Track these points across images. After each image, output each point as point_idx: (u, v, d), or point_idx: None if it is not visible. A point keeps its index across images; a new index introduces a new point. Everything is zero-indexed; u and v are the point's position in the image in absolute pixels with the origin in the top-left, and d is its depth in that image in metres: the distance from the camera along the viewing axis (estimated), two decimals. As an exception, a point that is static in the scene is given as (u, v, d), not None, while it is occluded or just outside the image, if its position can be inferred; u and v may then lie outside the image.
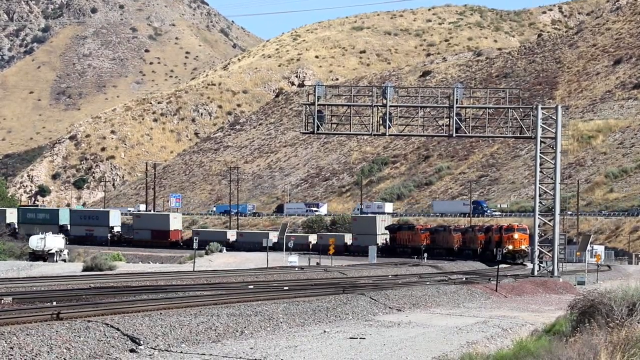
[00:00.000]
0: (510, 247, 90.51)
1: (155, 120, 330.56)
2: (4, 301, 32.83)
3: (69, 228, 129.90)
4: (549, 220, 67.28)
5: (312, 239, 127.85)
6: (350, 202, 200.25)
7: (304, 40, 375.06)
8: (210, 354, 24.38)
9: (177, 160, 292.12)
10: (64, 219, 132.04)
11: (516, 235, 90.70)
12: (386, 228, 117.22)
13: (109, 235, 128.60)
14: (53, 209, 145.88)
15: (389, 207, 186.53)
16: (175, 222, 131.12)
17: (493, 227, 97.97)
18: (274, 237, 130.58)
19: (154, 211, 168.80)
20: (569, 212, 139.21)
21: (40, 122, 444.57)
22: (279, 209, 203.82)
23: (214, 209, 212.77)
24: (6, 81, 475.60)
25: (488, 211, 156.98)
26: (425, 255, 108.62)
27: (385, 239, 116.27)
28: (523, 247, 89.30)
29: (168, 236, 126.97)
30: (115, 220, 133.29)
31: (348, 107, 67.68)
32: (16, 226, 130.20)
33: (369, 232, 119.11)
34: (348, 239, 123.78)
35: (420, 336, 29.72)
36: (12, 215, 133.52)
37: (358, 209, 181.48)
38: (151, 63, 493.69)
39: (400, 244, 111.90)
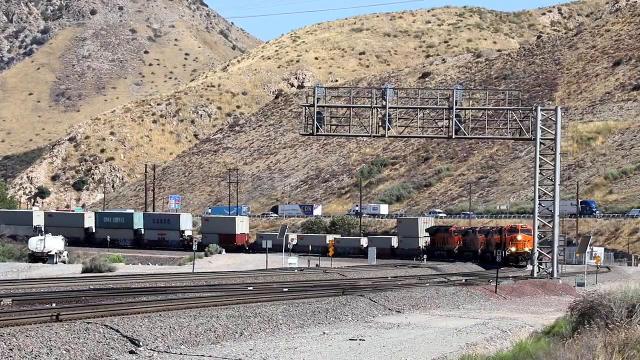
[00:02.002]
0: (513, 248, 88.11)
1: (154, 121, 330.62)
2: (4, 302, 32.83)
3: (142, 232, 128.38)
4: (549, 222, 67.27)
5: (364, 242, 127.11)
6: (350, 204, 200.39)
7: (303, 42, 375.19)
8: (210, 356, 24.39)
9: (177, 162, 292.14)
10: (138, 223, 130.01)
11: (519, 237, 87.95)
12: (426, 230, 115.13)
13: (180, 239, 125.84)
14: (128, 213, 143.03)
15: (384, 208, 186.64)
16: (242, 226, 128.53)
17: (504, 229, 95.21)
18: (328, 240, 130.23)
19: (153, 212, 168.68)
20: (569, 214, 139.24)
21: (39, 123, 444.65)
22: (274, 211, 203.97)
23: (209, 210, 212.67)
24: (5, 83, 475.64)
25: (597, 212, 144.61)
26: (425, 257, 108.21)
27: (426, 241, 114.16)
28: (527, 249, 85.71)
29: (234, 240, 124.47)
30: (187, 224, 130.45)
31: (347, 109, 67.69)
32: (94, 230, 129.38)
33: (412, 235, 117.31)
34: (395, 242, 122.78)
35: (420, 338, 29.73)
36: (90, 220, 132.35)
37: (354, 211, 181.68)
38: (150, 64, 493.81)
39: (438, 246, 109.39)
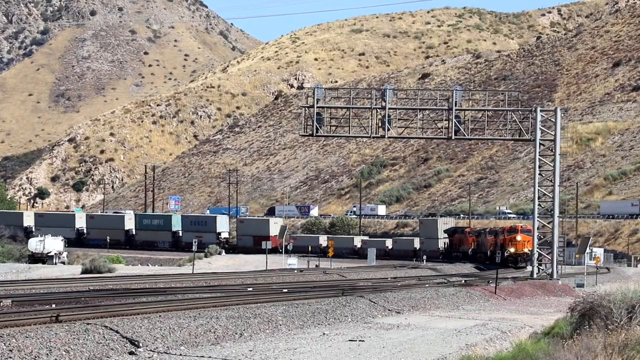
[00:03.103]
0: (512, 249, 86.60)
1: (154, 122, 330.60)
2: (3, 304, 32.82)
3: (180, 234, 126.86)
4: (548, 223, 67.26)
5: (389, 243, 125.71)
6: (350, 205, 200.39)
7: (303, 43, 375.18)
8: (210, 357, 24.40)
9: (176, 163, 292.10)
10: (177, 225, 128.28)
11: (519, 237, 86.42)
12: (445, 231, 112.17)
13: (217, 241, 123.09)
14: (166, 215, 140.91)
15: (382, 209, 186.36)
16: (275, 228, 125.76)
17: (504, 229, 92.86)
18: (358, 242, 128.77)
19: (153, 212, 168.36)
20: (569, 215, 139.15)
21: (39, 124, 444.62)
22: (271, 212, 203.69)
23: (208, 211, 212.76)
24: (5, 83, 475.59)
25: None
26: (424, 257, 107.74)
27: (445, 243, 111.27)
28: (526, 250, 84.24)
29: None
30: (223, 226, 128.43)
31: (347, 110, 67.69)
32: (134, 232, 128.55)
33: (432, 236, 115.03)
34: (417, 243, 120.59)
35: (420, 339, 29.73)
36: (130, 222, 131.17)
37: (351, 212, 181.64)
38: (150, 65, 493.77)
39: (455, 248, 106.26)
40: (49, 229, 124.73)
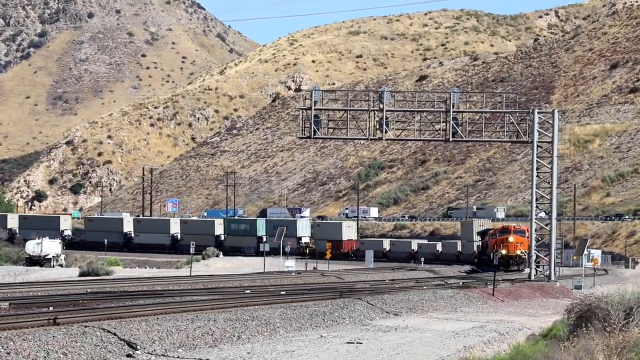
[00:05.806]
0: (504, 251, 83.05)
1: (152, 125, 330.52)
2: (1, 306, 32.80)
3: (264, 239, 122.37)
4: (546, 225, 67.26)
5: (439, 247, 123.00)
6: (348, 207, 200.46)
7: (300, 45, 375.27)
8: (207, 359, 24.39)
9: (174, 165, 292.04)
10: (262, 229, 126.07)
11: (511, 239, 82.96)
12: (477, 234, 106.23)
13: (297, 246, 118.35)
14: (252, 219, 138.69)
15: (374, 212, 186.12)
16: (349, 232, 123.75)
17: (497, 230, 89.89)
18: (387, 245, 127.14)
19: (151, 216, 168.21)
20: (566, 217, 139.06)
21: (36, 127, 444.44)
22: (263, 214, 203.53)
23: (205, 214, 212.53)
24: (3, 86, 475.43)
25: None
26: (422, 259, 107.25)
27: (478, 245, 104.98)
28: (518, 252, 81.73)
29: (341, 246, 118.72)
30: (304, 230, 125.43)
31: (345, 112, 67.67)
32: (222, 238, 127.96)
33: (469, 239, 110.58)
34: (460, 246, 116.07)
35: (417, 341, 29.73)
36: (220, 227, 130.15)
37: (344, 214, 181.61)
38: (148, 68, 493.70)
39: (483, 250, 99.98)
40: (147, 235, 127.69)
